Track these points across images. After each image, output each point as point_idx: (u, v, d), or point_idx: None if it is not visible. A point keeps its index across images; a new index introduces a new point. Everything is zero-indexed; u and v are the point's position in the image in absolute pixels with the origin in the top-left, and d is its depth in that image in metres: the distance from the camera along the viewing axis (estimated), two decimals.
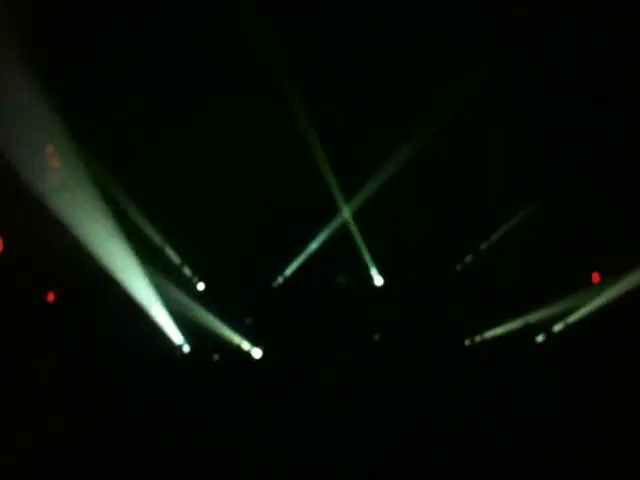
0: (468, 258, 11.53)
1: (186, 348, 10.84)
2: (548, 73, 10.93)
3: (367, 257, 11.77)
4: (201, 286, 11.67)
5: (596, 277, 11.40)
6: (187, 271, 11.57)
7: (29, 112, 10.44)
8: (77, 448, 9.23)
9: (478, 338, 11.17)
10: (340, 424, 9.83)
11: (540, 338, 10.99)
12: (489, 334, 11.16)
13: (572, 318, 10.95)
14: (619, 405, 9.41)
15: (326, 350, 10.89)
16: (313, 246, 11.77)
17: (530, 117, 11.08)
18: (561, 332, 10.95)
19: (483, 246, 11.46)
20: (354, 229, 11.67)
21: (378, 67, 10.95)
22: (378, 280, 11.82)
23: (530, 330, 11.04)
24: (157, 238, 11.37)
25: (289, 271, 11.87)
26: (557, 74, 10.94)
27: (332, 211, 11.59)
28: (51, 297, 10.74)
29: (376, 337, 11.45)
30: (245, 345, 11.22)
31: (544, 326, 11.03)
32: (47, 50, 10.31)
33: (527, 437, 9.42)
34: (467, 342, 11.15)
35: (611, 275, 10.98)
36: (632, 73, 10.52)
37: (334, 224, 11.73)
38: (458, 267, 11.55)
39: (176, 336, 10.83)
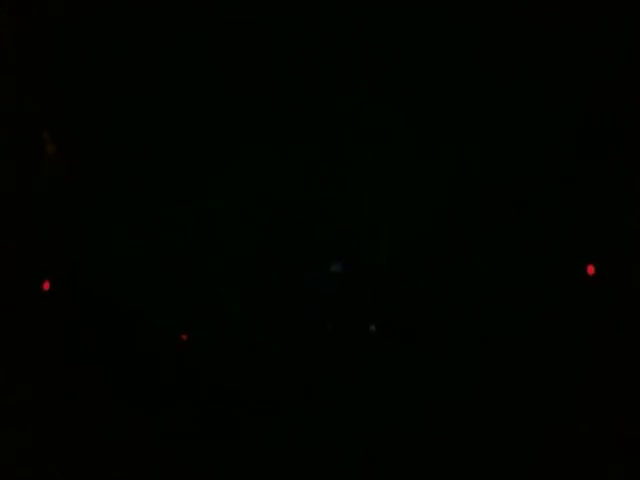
0: (467, 252, 11.56)
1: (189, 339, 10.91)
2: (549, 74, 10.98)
3: (365, 248, 11.80)
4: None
5: (591, 270, 11.45)
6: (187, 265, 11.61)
7: (27, 99, 10.46)
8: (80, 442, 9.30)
9: (477, 333, 11.23)
10: (339, 419, 9.90)
11: (539, 333, 11.06)
12: (488, 329, 11.22)
13: (569, 312, 11.03)
14: (620, 404, 9.48)
15: (321, 341, 10.94)
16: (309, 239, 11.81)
17: (528, 115, 11.11)
18: (559, 326, 11.02)
19: (482, 241, 11.49)
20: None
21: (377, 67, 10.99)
22: (376, 272, 11.84)
23: (529, 325, 11.10)
24: (156, 233, 11.41)
25: (286, 264, 11.90)
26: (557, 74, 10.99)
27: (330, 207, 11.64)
28: (47, 286, 10.74)
29: (372, 328, 11.47)
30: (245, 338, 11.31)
31: (544, 320, 11.11)
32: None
33: (526, 436, 9.50)
34: (466, 337, 11.20)
35: (607, 267, 11.06)
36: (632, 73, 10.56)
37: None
38: (457, 261, 11.59)
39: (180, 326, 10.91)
